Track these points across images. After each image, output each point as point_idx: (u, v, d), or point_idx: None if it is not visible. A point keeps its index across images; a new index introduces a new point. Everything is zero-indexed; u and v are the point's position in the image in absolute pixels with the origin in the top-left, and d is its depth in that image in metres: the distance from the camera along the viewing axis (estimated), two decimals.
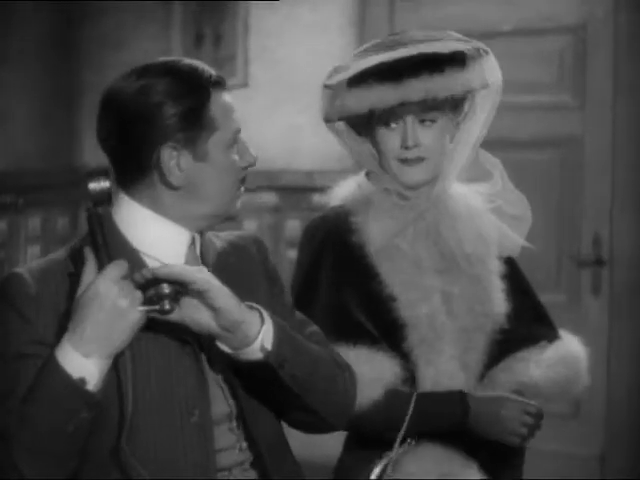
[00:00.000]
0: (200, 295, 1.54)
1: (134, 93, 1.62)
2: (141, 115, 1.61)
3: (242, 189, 1.70)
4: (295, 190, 4.23)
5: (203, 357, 1.66)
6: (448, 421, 1.97)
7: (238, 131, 1.66)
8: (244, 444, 1.69)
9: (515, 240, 2.10)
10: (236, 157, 1.66)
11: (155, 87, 1.61)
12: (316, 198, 4.09)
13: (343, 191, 2.10)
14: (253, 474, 1.70)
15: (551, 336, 2.13)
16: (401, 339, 2.00)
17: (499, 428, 1.97)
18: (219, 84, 1.64)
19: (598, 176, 3.78)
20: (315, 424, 1.76)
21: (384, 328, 1.99)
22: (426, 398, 1.97)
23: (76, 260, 1.59)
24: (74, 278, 1.56)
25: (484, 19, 3.90)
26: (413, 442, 1.98)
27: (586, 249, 3.82)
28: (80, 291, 1.51)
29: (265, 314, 1.62)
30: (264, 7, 4.32)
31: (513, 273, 2.11)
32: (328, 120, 2.05)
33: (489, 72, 1.99)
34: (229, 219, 1.71)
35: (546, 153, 3.87)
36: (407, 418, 1.95)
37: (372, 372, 1.92)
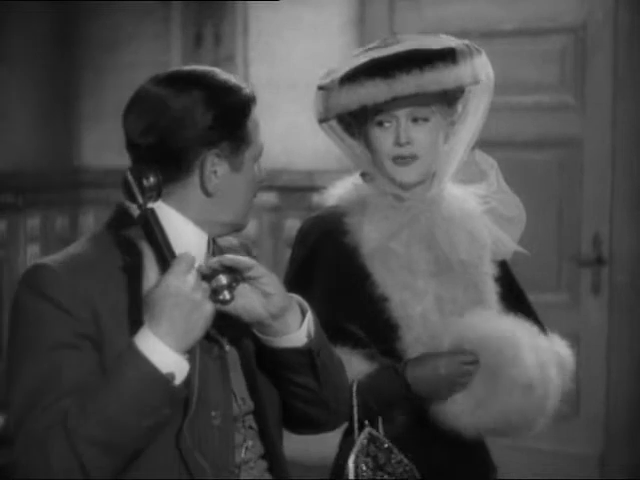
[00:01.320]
0: (254, 281, 1.58)
1: (184, 99, 1.63)
2: (190, 121, 1.62)
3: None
4: (295, 190, 4.23)
5: (228, 359, 1.68)
6: (396, 396, 1.99)
7: (263, 146, 1.70)
8: (250, 442, 1.71)
9: (508, 244, 2.11)
10: (257, 171, 1.71)
11: (205, 96, 1.63)
12: (316, 198, 4.10)
13: (338, 192, 2.12)
14: (257, 473, 1.72)
15: None
16: (395, 339, 2.01)
17: (443, 385, 1.97)
18: (255, 100, 1.69)
19: (598, 176, 3.78)
20: (317, 421, 1.80)
21: (377, 329, 2.00)
22: (369, 381, 1.98)
23: (127, 251, 1.61)
24: (128, 271, 1.58)
25: (484, 19, 3.90)
26: (367, 424, 2.00)
27: (586, 249, 3.82)
28: (146, 286, 1.52)
29: (305, 303, 1.67)
30: (264, 7, 4.32)
31: (505, 276, 2.12)
32: (322, 120, 2.06)
33: (480, 69, 2.00)
34: (237, 230, 1.72)
35: (546, 153, 3.87)
36: (355, 408, 1.97)
37: (351, 374, 1.94)
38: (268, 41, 4.34)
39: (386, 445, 1.98)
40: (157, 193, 1.59)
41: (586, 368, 3.74)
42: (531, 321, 2.15)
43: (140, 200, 1.58)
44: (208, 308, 1.51)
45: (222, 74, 1.68)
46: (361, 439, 1.98)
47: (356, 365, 1.96)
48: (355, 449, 1.98)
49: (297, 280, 2.02)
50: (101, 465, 1.48)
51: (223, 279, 1.55)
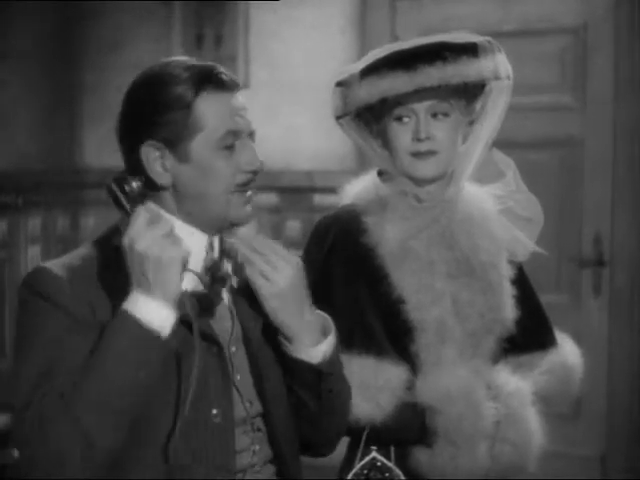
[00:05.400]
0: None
1: (130, 89, 1.65)
2: (129, 111, 1.63)
3: (248, 194, 1.67)
4: (295, 190, 4.23)
5: (228, 359, 1.67)
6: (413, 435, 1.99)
7: (235, 133, 1.63)
8: (257, 447, 1.71)
9: (526, 244, 2.10)
10: (233, 160, 1.63)
11: (145, 84, 1.63)
12: (316, 198, 4.09)
13: (356, 190, 2.08)
14: (265, 475, 1.72)
15: (550, 343, 2.13)
16: (409, 342, 1.98)
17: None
18: (218, 85, 1.62)
19: (598, 176, 3.78)
20: (310, 442, 1.81)
21: (392, 331, 1.98)
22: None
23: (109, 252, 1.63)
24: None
25: (485, 20, 3.90)
26: (374, 449, 1.99)
27: (586, 250, 3.82)
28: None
29: (330, 324, 1.70)
30: (264, 7, 4.32)
31: (521, 278, 2.10)
32: (339, 116, 2.04)
33: (501, 65, 1.99)
34: (236, 225, 1.68)
35: (546, 153, 3.87)
36: (364, 434, 1.96)
37: (379, 381, 1.92)
38: (269, 41, 4.34)
39: (393, 473, 1.97)
40: (142, 198, 1.60)
41: (587, 369, 3.73)
42: (541, 326, 2.14)
43: (127, 206, 1.59)
44: (174, 255, 1.51)
45: (176, 63, 1.63)
46: (363, 463, 1.97)
47: (386, 370, 1.94)
48: (353, 471, 1.98)
49: (316, 284, 2.00)
50: (102, 427, 1.47)
51: (226, 267, 1.65)
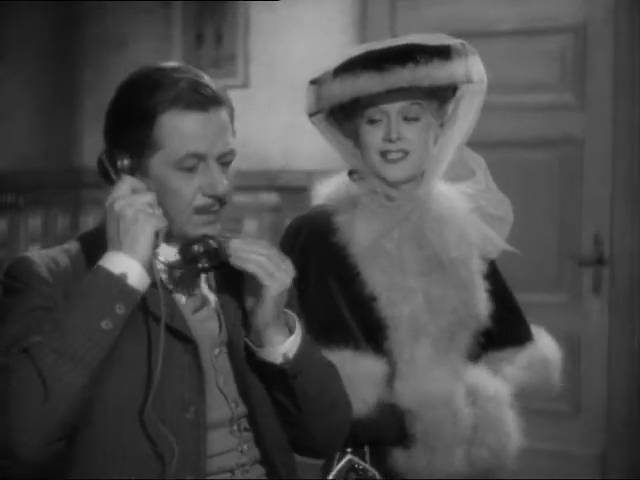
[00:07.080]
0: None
1: (116, 90, 1.67)
2: (107, 113, 1.66)
3: (212, 216, 1.65)
4: (295, 190, 4.23)
5: (204, 358, 1.67)
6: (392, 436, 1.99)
7: (197, 155, 1.60)
8: (245, 446, 1.70)
9: (497, 242, 2.11)
10: (193, 182, 1.61)
11: (124, 90, 1.65)
12: None
13: (327, 190, 2.11)
14: (254, 475, 1.71)
15: (526, 338, 2.14)
16: (382, 339, 2.00)
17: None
18: (190, 104, 1.59)
19: (598, 176, 3.78)
20: (300, 445, 1.79)
21: (366, 328, 2.00)
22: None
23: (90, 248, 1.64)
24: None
25: (485, 19, 3.90)
26: (349, 451, 2.00)
27: (586, 249, 3.82)
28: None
29: (297, 323, 1.67)
30: (264, 7, 4.32)
31: (493, 274, 2.12)
32: (312, 113, 2.06)
33: (474, 69, 2.01)
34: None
35: (546, 153, 3.87)
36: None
37: (360, 373, 1.92)
38: (268, 41, 4.34)
39: (369, 474, 1.97)
40: (131, 174, 1.62)
41: (587, 368, 3.74)
42: (516, 321, 2.15)
43: (115, 179, 1.62)
44: (148, 220, 1.54)
45: (160, 72, 1.62)
46: (340, 466, 1.98)
47: (366, 363, 1.95)
48: (331, 475, 1.98)
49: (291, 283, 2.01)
50: (59, 372, 1.47)
51: (197, 247, 1.63)
